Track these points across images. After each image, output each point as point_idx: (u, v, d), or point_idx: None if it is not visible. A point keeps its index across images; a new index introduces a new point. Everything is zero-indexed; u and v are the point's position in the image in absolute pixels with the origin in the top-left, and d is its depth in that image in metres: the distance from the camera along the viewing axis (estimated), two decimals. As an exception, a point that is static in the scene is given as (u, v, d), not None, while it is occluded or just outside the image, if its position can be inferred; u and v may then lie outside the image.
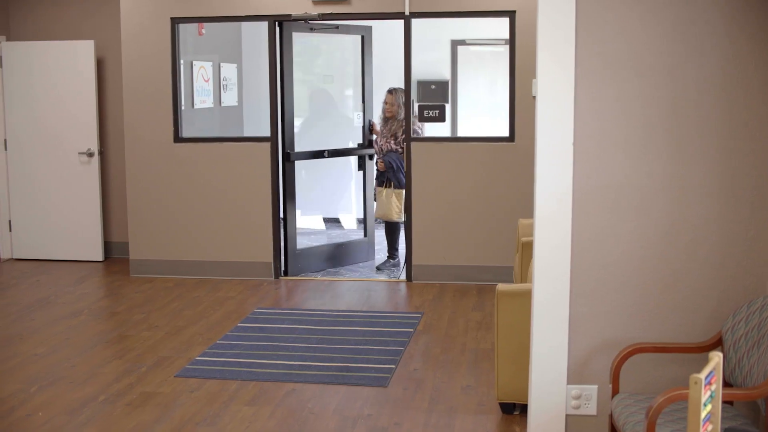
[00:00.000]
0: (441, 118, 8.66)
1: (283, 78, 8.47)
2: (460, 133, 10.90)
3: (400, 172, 8.57)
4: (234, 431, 4.78)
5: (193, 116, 9.10)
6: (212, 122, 9.92)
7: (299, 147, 8.77)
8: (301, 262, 8.68)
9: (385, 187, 8.73)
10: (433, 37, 10.86)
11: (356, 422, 4.90)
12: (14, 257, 9.52)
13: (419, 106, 8.67)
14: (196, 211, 8.47)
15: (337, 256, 9.10)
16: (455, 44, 11.22)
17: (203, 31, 9.26)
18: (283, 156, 8.52)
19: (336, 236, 10.45)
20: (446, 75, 11.16)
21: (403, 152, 8.39)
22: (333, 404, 5.18)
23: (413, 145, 8.15)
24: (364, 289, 8.04)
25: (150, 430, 4.80)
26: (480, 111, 11.14)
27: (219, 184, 8.41)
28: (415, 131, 8.38)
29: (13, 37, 9.54)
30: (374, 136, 9.02)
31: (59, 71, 9.22)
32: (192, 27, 8.96)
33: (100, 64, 9.37)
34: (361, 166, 9.32)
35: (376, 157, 8.94)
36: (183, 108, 8.66)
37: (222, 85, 10.01)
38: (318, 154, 8.96)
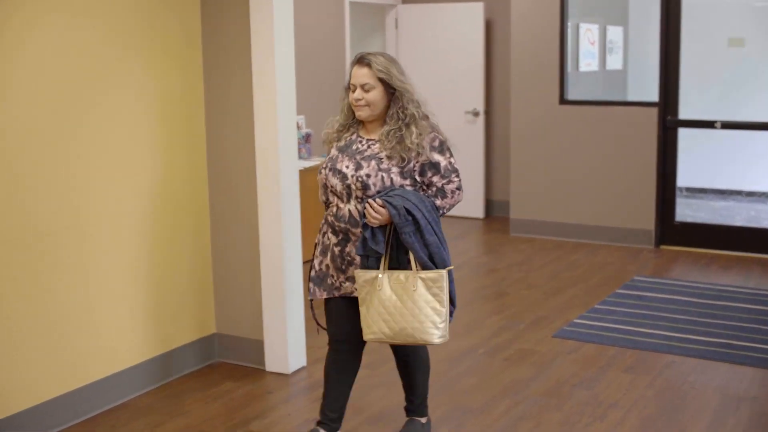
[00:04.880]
0: None
1: (670, 41, 8.12)
2: None
3: (432, 230, 3.67)
4: (611, 397, 4.73)
5: (577, 79, 9.04)
6: (595, 85, 9.81)
7: (696, 115, 8.29)
8: (695, 236, 8.23)
9: (400, 267, 3.72)
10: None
11: (740, 404, 4.66)
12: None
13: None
14: (579, 174, 8.43)
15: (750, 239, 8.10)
16: None
17: (592, -8, 9.16)
18: (669, 123, 8.19)
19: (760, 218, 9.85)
20: None
21: (448, 194, 3.83)
22: (715, 381, 4.96)
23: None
24: (751, 265, 7.60)
25: (526, 387, 4.88)
26: None
27: (602, 148, 8.30)
28: (437, 141, 3.81)
29: (408, 0, 10.01)
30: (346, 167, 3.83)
31: (449, 32, 9.55)
32: (582, -12, 8.90)
33: (488, 26, 9.58)
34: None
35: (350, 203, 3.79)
36: (569, 70, 8.63)
37: (607, 48, 9.86)
38: (707, 124, 8.37)
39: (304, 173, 7.65)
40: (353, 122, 3.90)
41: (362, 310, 3.74)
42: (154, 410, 4.65)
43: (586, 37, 9.29)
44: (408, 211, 3.58)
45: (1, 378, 4.12)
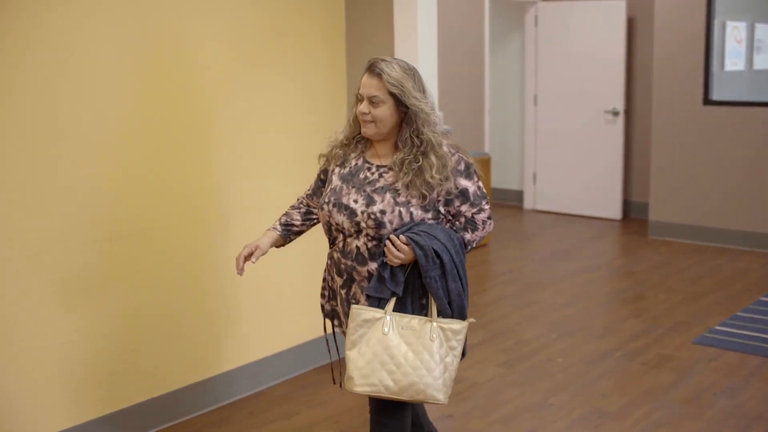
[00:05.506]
0: None
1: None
2: None
3: (457, 275, 3.10)
4: (755, 409, 4.57)
5: (722, 79, 8.77)
6: (741, 86, 9.50)
7: None
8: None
9: (404, 311, 3.09)
10: None
11: None
12: (536, 208, 9.98)
13: None
14: (722, 176, 8.17)
15: None
16: None
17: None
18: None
19: None
20: None
21: (479, 225, 3.20)
22: None
23: None
24: None
25: (665, 393, 4.77)
26: None
27: (747, 150, 8.02)
28: (456, 162, 3.16)
29: (551, -3, 9.92)
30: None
31: (590, 30, 9.40)
32: (730, -15, 8.63)
33: (630, 24, 9.38)
34: None
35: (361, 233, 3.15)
36: (713, 70, 8.39)
37: (755, 46, 9.53)
38: None
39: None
40: (360, 139, 3.26)
41: (351, 354, 3.06)
42: (291, 399, 4.74)
43: (733, 36, 8.99)
44: (436, 253, 3.02)
45: (157, 360, 4.29)
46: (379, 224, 3.05)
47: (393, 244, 3.00)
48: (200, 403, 4.55)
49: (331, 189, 3.20)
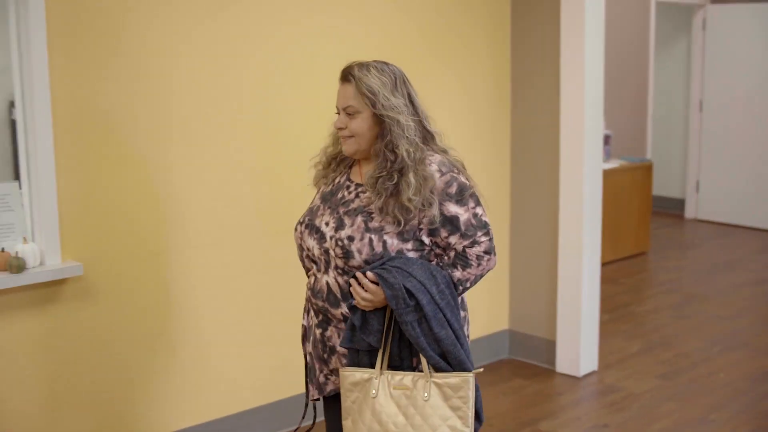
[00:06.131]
0: None
1: None
2: None
3: (445, 321, 2.53)
4: None
5: None
6: None
7: None
8: None
9: (403, 366, 2.61)
10: None
11: None
12: (698, 218, 9.68)
13: None
14: None
15: None
16: None
17: None
18: None
19: None
20: None
21: (473, 261, 2.61)
22: None
23: None
24: None
25: (837, 416, 4.57)
26: None
27: None
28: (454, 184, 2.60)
29: (718, 0, 9.59)
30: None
31: (761, 34, 9.04)
32: None
33: (807, 28, 9.00)
34: None
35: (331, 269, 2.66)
36: None
37: None
38: None
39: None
40: (344, 157, 2.78)
41: (346, 424, 2.61)
42: None
43: None
44: (409, 293, 2.49)
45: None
46: (347, 253, 2.56)
47: (359, 282, 2.54)
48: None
49: (309, 208, 2.77)
